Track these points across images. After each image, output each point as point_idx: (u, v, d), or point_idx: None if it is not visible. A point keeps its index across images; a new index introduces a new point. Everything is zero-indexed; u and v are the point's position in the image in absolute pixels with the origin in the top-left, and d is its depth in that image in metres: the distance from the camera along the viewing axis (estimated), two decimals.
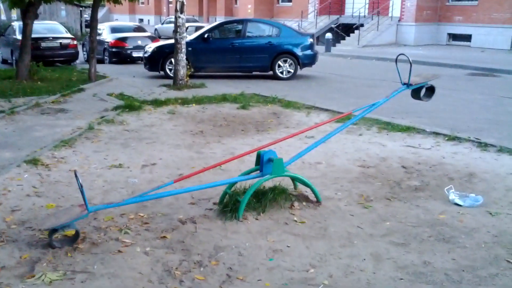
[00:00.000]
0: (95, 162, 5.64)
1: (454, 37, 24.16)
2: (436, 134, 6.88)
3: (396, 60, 4.69)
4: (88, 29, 16.74)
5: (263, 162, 4.19)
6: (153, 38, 18.64)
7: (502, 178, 5.10)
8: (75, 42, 17.25)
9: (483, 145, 6.26)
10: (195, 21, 31.63)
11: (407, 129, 7.12)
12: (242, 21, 14.32)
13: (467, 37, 23.26)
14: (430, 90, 4.78)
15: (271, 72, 13.40)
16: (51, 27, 17.60)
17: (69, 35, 17.52)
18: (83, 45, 20.46)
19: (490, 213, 4.20)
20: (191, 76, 12.14)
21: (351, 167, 5.53)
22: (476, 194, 4.54)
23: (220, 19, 31.81)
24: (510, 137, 6.82)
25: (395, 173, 5.29)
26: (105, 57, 18.01)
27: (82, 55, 19.17)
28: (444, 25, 24.21)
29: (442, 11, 24.19)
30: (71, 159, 5.76)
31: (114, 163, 5.61)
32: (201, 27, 18.38)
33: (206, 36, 13.33)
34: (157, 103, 9.20)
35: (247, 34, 13.53)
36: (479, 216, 4.16)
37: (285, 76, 13.27)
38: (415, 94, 4.77)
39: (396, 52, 19.13)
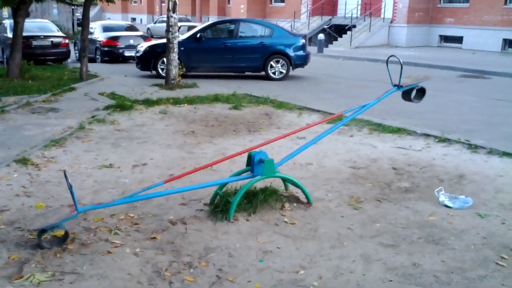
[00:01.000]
0: (86, 162, 5.61)
1: (445, 39, 24.30)
2: (427, 135, 6.91)
3: (387, 62, 4.71)
4: (80, 28, 16.68)
5: (254, 163, 4.19)
6: (145, 37, 18.58)
7: (492, 180, 5.14)
8: (66, 41, 17.15)
9: (473, 147, 6.30)
10: (188, 20, 31.59)
11: (398, 131, 7.15)
12: (235, 21, 14.31)
13: (459, 39, 23.39)
14: (421, 92, 4.80)
15: (263, 73, 13.40)
16: (43, 26, 17.48)
17: (60, 33, 17.42)
18: (74, 44, 20.34)
19: (479, 215, 4.23)
20: (183, 76, 12.12)
21: (341, 168, 5.54)
22: (466, 196, 4.56)
23: (212, 19, 31.79)
24: (500, 139, 6.87)
25: (386, 175, 5.31)
26: (97, 56, 17.92)
27: (73, 54, 19.07)
28: (435, 26, 24.34)
29: (434, 13, 24.32)
30: (61, 158, 5.73)
31: (104, 163, 5.59)
32: (193, 27, 18.34)
33: (198, 35, 13.31)
34: (148, 102, 9.18)
35: (240, 34, 13.52)
36: (469, 218, 4.18)
37: (277, 77, 13.28)
38: (406, 95, 4.80)
39: (387, 53, 19.19)
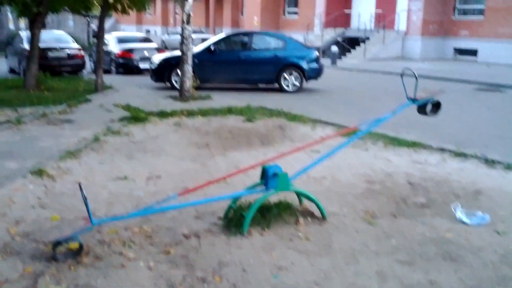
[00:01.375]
0: (100, 174, 5.64)
1: (460, 51, 24.17)
2: (442, 149, 6.84)
3: (401, 75, 4.68)
4: (95, 39, 16.91)
5: (268, 177, 4.17)
6: (159, 49, 18.76)
7: (509, 195, 5.06)
8: (82, 52, 17.37)
9: (490, 162, 6.22)
10: (202, 32, 31.84)
11: (413, 145, 7.09)
12: (248, 34, 14.40)
13: (473, 52, 23.26)
14: (436, 106, 4.75)
15: (276, 85, 13.42)
16: (59, 37, 17.74)
17: (76, 45, 17.65)
18: (90, 55, 20.58)
19: (497, 232, 4.16)
20: (197, 88, 12.17)
21: (356, 182, 5.50)
22: (483, 212, 4.49)
23: (226, 31, 32.02)
24: None
25: (401, 189, 5.26)
26: (112, 68, 18.11)
27: (89, 65, 19.27)
28: (450, 39, 24.24)
29: (448, 25, 24.22)
30: (76, 170, 5.76)
31: (119, 175, 5.61)
32: (207, 39, 18.48)
33: (212, 48, 13.40)
34: (163, 114, 9.22)
35: (253, 46, 13.59)
36: (486, 234, 4.12)
37: (290, 89, 13.29)
38: (421, 109, 4.75)
39: (402, 66, 19.13)
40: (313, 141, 6.93)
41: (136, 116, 8.84)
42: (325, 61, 18.14)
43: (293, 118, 9.10)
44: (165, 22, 47.51)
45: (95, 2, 13.86)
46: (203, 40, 20.10)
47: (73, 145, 6.90)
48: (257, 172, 4.52)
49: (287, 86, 13.30)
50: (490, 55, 22.29)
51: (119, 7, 13.23)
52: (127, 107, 10.12)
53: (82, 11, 14.20)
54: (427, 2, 23.62)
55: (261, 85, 13.90)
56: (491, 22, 22.32)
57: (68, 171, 5.69)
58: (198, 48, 13.73)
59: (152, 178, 5.54)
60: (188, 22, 11.37)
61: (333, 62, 21.67)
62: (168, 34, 37.29)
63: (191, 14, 11.43)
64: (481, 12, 22.97)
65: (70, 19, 34.94)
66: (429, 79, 16.05)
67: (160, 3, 46.89)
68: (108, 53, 17.66)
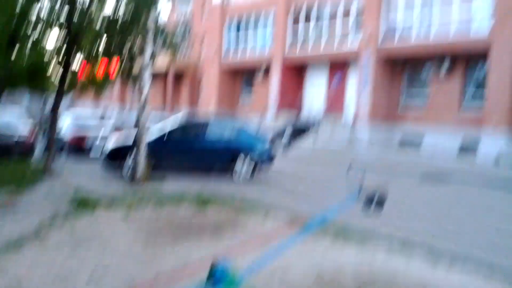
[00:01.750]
0: (40, 271, 5.38)
1: (406, 140, 25.19)
2: (389, 242, 6.97)
3: (348, 169, 4.78)
4: (50, 116, 16.50)
5: (216, 275, 4.09)
6: (115, 129, 18.57)
7: None
8: (33, 136, 16.72)
9: (435, 257, 6.37)
10: (158, 112, 32.11)
11: (361, 238, 7.19)
12: (203, 122, 14.57)
13: (419, 140, 24.28)
14: (381, 201, 4.88)
15: (230, 172, 13.45)
16: (8, 123, 16.86)
17: (27, 129, 16.81)
18: (43, 134, 20.09)
19: None
20: (151, 173, 12.07)
21: (304, 279, 5.47)
22: None
23: (183, 111, 32.47)
24: (461, 247, 6.97)
25: (349, 286, 5.26)
26: (63, 151, 17.63)
27: (40, 148, 18.76)
28: (396, 127, 25.30)
29: (395, 114, 25.39)
30: (13, 268, 5.47)
31: (60, 272, 5.37)
32: (163, 120, 18.57)
33: (167, 135, 13.40)
34: (112, 202, 9.02)
35: (207, 134, 13.72)
36: None
37: (243, 177, 13.33)
38: (366, 204, 4.85)
39: (350, 153, 19.78)
40: (264, 234, 6.94)
41: (84, 204, 8.62)
42: (278, 148, 18.46)
43: (245, 207, 9.11)
44: (122, 100, 47.70)
45: (52, 82, 13.85)
46: (159, 121, 20.19)
47: (14, 238, 6.58)
48: (206, 267, 4.43)
49: (240, 173, 13.38)
50: (435, 144, 23.31)
51: (78, 86, 13.29)
52: (76, 194, 9.83)
53: (39, 88, 13.95)
54: (375, 91, 24.89)
55: (215, 170, 13.93)
56: (436, 112, 23.56)
57: (4, 269, 5.41)
58: (152, 134, 13.61)
59: (94, 277, 5.33)
60: (144, 105, 11.54)
61: (286, 149, 22.13)
62: (124, 113, 37.41)
63: (148, 97, 11.62)
64: (426, 100, 24.30)
65: (26, 93, 34.50)
66: (376, 168, 16.40)
67: (119, 82, 47.37)
68: (61, 134, 17.30)
